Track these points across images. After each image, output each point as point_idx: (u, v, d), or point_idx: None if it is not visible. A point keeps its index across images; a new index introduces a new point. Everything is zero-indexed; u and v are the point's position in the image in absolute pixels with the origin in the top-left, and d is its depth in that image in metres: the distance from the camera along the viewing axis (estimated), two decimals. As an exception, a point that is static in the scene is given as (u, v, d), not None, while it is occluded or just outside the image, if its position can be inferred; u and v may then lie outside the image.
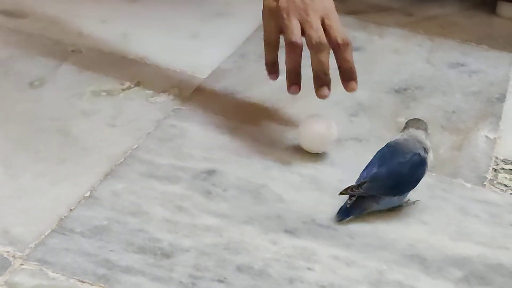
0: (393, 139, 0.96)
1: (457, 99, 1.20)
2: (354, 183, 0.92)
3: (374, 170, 0.92)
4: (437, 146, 1.07)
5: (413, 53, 1.32)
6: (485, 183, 1.02)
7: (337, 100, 1.15)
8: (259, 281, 0.84)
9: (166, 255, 0.86)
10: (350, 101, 1.16)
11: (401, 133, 0.96)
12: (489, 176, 1.03)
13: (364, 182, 0.91)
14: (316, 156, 1.03)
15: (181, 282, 0.83)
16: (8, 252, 0.84)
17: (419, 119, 0.97)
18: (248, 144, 1.04)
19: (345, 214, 0.92)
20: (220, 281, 0.84)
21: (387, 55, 1.30)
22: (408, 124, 0.97)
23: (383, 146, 0.95)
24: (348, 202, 0.91)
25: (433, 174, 1.01)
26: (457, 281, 0.86)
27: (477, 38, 1.38)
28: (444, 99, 1.19)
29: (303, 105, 1.14)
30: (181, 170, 0.98)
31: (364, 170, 0.93)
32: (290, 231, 0.91)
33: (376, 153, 0.94)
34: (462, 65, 1.29)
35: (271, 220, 0.92)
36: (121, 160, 0.99)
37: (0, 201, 0.91)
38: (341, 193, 0.92)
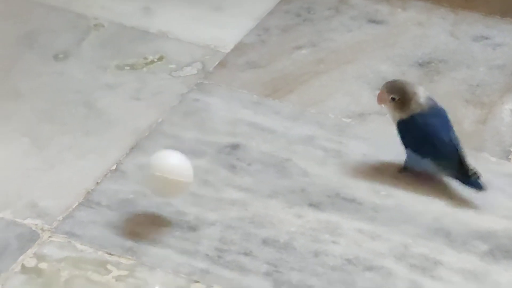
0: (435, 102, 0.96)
1: (481, 72, 1.19)
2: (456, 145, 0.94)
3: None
4: (461, 120, 1.07)
5: (437, 26, 1.30)
6: (510, 156, 1.01)
7: (360, 73, 1.15)
8: (284, 254, 0.85)
9: (192, 228, 0.87)
10: (373, 75, 1.15)
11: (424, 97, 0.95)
12: (514, 150, 1.03)
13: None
14: (340, 130, 1.03)
15: (207, 255, 0.84)
16: (36, 224, 0.85)
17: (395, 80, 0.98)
18: (271, 118, 1.04)
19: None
20: (246, 254, 0.84)
21: (410, 28, 1.29)
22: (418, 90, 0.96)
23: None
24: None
25: (458, 148, 1.01)
26: (482, 255, 0.86)
27: (502, 11, 1.37)
28: (468, 72, 1.19)
29: (326, 79, 1.14)
30: (206, 144, 0.99)
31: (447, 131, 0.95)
32: (314, 205, 0.91)
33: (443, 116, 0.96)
34: (486, 38, 1.28)
35: (295, 194, 0.93)
36: (146, 134, 0.99)
37: (28, 173, 0.92)
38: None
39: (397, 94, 0.94)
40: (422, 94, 0.96)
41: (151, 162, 0.84)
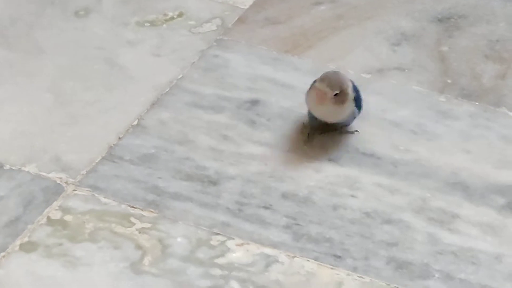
0: None
1: (501, 28, 1.19)
2: None
3: None
4: (480, 75, 1.07)
5: (457, -19, 1.30)
6: (528, 112, 1.02)
7: (380, 29, 1.15)
8: (303, 208, 0.86)
9: (213, 182, 0.88)
10: (392, 30, 1.15)
11: None
12: (533, 105, 1.03)
13: None
14: (359, 86, 1.03)
15: (228, 208, 0.85)
16: (61, 178, 0.87)
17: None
18: (291, 74, 1.05)
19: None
20: (266, 207, 0.86)
21: (430, -17, 1.29)
22: None
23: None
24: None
25: (476, 103, 1.01)
26: (500, 208, 0.87)
27: (522, -34, 1.35)
28: (488, 27, 1.18)
29: (346, 35, 1.14)
30: (225, 100, 1.00)
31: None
32: (333, 160, 0.92)
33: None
34: (507, -7, 1.27)
35: (314, 149, 0.94)
36: (167, 90, 1.00)
37: (52, 128, 0.93)
38: None
39: (338, 88, 0.92)
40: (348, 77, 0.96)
41: None
